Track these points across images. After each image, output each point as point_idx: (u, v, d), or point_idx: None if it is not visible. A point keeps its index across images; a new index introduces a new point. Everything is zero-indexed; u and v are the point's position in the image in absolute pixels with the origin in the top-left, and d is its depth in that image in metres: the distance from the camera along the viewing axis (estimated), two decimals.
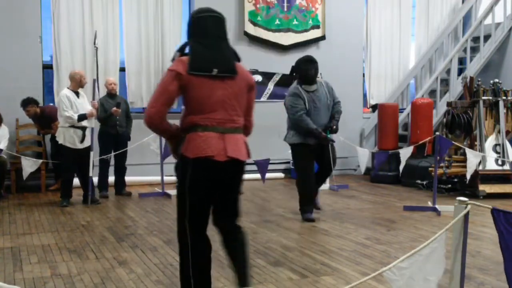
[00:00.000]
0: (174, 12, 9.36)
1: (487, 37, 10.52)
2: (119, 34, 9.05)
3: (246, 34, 9.71)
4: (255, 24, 9.78)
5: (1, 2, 8.31)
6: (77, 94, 7.07)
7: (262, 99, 9.92)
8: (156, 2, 9.21)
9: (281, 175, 9.72)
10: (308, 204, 6.20)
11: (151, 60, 9.16)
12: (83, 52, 8.80)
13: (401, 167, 7.24)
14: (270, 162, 7.22)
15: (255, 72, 9.67)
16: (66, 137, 6.93)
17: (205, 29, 3.10)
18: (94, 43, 7.59)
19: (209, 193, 3.11)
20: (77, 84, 7.06)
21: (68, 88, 7.09)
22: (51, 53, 8.81)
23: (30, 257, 4.63)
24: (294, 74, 6.35)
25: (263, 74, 9.81)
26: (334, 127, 6.11)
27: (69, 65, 8.66)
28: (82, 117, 6.92)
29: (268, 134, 9.85)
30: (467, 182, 7.33)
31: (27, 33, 8.36)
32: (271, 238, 5.33)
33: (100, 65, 8.88)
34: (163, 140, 7.81)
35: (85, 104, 7.10)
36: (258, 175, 7.29)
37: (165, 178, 7.97)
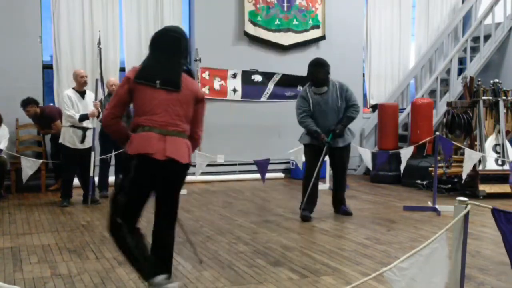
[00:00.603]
0: (174, 12, 9.36)
1: (487, 37, 10.53)
2: (119, 34, 9.06)
3: (246, 34, 9.72)
4: (255, 24, 9.78)
5: (1, 2, 8.31)
6: (82, 94, 7.06)
7: (262, 99, 9.94)
8: (156, 2, 9.21)
9: (281, 175, 9.72)
10: (307, 202, 6.18)
11: None
12: (83, 52, 8.79)
13: (402, 167, 7.20)
14: (270, 162, 7.21)
15: (255, 72, 9.69)
16: (66, 136, 6.95)
17: (160, 45, 3.44)
18: (99, 44, 7.55)
19: (147, 189, 3.35)
20: (77, 83, 7.06)
21: (73, 88, 7.11)
22: (51, 53, 8.81)
23: (30, 257, 4.62)
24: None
25: (263, 74, 9.83)
26: (337, 131, 6.07)
27: (69, 65, 8.66)
28: (83, 117, 6.90)
29: (268, 134, 9.87)
30: (463, 182, 7.32)
31: (27, 33, 8.36)
32: (271, 238, 5.33)
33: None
34: None
35: (90, 104, 7.08)
36: (258, 175, 7.28)
37: None
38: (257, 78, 9.86)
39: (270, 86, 9.95)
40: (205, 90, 9.50)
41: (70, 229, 5.67)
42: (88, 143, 7.05)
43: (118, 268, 4.32)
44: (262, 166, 7.06)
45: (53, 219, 6.22)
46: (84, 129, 6.99)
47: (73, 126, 6.91)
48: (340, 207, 6.47)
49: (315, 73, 6.05)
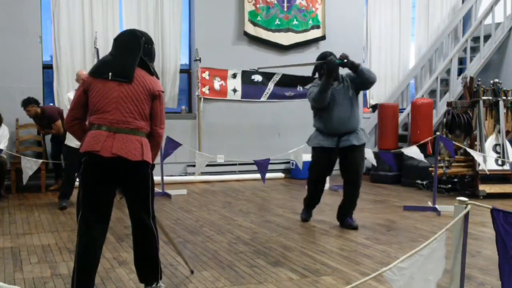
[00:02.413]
0: (174, 12, 9.36)
1: (487, 37, 10.53)
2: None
3: (246, 34, 9.71)
4: (255, 24, 9.78)
5: (1, 2, 8.31)
6: None
7: (262, 99, 9.95)
8: (156, 2, 9.21)
9: (281, 175, 9.72)
10: (307, 205, 6.09)
11: None
12: (83, 52, 8.79)
13: (422, 159, 7.08)
14: (270, 162, 7.21)
15: (255, 72, 9.69)
16: (71, 137, 6.72)
17: (116, 42, 3.58)
18: (95, 44, 7.53)
19: (99, 187, 3.38)
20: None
21: (75, 89, 7.04)
22: (51, 53, 8.81)
23: (30, 257, 4.63)
24: (315, 74, 5.85)
25: (263, 74, 9.83)
26: (347, 62, 5.50)
27: (69, 65, 8.67)
28: None
29: (268, 134, 9.87)
30: (486, 171, 7.37)
31: (27, 33, 8.36)
32: (271, 238, 5.33)
33: None
34: (163, 140, 7.82)
35: None
36: (258, 175, 7.28)
37: (165, 178, 7.97)
38: (257, 78, 9.86)
39: (270, 86, 9.95)
40: (205, 90, 9.51)
41: (70, 229, 5.66)
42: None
43: (118, 268, 4.32)
44: (262, 166, 7.05)
45: (53, 219, 6.22)
46: None
47: None
48: (345, 220, 5.79)
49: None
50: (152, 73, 3.54)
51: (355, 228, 5.69)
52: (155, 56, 3.71)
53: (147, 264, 3.56)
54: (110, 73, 3.39)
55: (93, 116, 3.40)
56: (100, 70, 3.46)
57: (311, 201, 6.07)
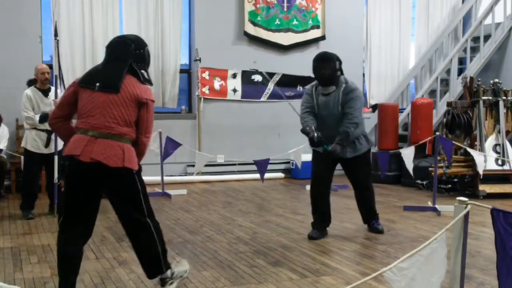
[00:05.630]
0: (174, 12, 9.36)
1: (487, 37, 10.52)
2: (119, 34, 9.02)
3: (246, 34, 9.71)
4: (255, 24, 9.78)
5: (1, 2, 8.31)
6: (44, 92, 6.39)
7: (262, 99, 9.95)
8: (156, 2, 9.21)
9: (281, 175, 9.72)
10: (314, 220, 5.42)
11: (151, 60, 9.14)
12: (83, 52, 8.80)
13: (410, 168, 7.00)
14: (270, 162, 7.21)
15: (255, 72, 9.69)
16: (29, 140, 6.30)
17: (107, 50, 3.62)
18: (56, 36, 6.84)
19: (80, 191, 3.39)
20: (39, 81, 6.38)
21: (34, 86, 6.41)
22: (51, 53, 8.81)
23: (30, 257, 4.63)
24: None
25: (263, 74, 9.82)
26: (331, 150, 5.01)
27: (69, 65, 8.68)
28: (43, 118, 6.03)
29: (268, 134, 9.87)
30: (481, 177, 7.34)
31: (27, 33, 8.35)
32: (271, 238, 5.33)
33: None
34: (163, 140, 7.82)
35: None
36: (258, 175, 7.28)
37: (165, 178, 7.96)
38: (257, 78, 9.86)
39: (270, 86, 9.95)
40: (205, 90, 9.51)
41: None
42: (59, 147, 6.23)
43: (118, 268, 4.32)
44: (261, 165, 7.06)
45: (53, 219, 6.21)
46: (49, 132, 6.22)
47: (35, 128, 6.27)
48: (370, 223, 5.53)
49: (318, 69, 5.16)
50: (142, 81, 3.54)
51: (380, 231, 5.44)
52: (149, 59, 3.72)
53: (147, 260, 3.59)
54: (97, 84, 3.42)
55: (79, 120, 3.46)
56: (88, 80, 3.49)
57: (313, 206, 5.42)
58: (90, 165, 3.31)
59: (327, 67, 5.14)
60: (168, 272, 3.64)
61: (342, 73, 5.29)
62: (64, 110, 3.54)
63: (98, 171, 3.34)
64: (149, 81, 3.61)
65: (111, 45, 3.62)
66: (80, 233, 3.46)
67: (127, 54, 3.52)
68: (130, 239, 3.60)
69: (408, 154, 6.95)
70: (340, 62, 5.27)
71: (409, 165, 6.91)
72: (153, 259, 3.57)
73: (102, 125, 3.36)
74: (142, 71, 3.58)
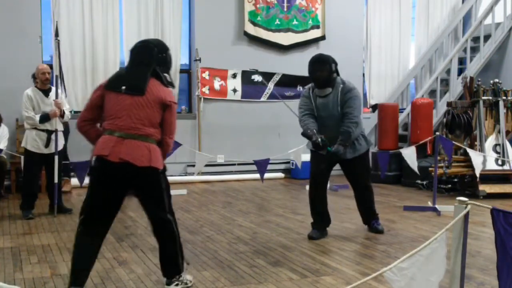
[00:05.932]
0: (174, 12, 9.36)
1: (487, 37, 10.52)
2: (119, 34, 9.05)
3: (246, 34, 9.71)
4: (255, 24, 9.78)
5: (1, 2, 8.31)
6: (45, 92, 6.38)
7: (262, 99, 9.95)
8: (156, 2, 9.21)
9: (281, 175, 9.72)
10: (314, 220, 5.42)
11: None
12: (83, 52, 8.80)
13: (414, 167, 6.93)
14: (270, 162, 7.21)
15: (255, 72, 9.69)
16: (29, 140, 6.29)
17: (131, 55, 3.71)
18: (56, 36, 6.87)
19: (106, 191, 3.52)
20: (39, 81, 6.37)
21: (35, 86, 6.43)
22: (51, 53, 8.81)
23: (30, 257, 4.63)
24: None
25: (263, 74, 9.83)
26: (335, 151, 5.04)
27: (69, 65, 8.67)
28: (44, 118, 6.19)
29: (268, 134, 9.87)
30: (478, 180, 7.36)
31: (27, 33, 8.36)
32: (271, 238, 5.33)
33: (100, 65, 8.90)
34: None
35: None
36: (258, 175, 7.28)
37: None
38: (257, 78, 9.86)
39: (270, 86, 9.95)
40: (205, 90, 9.51)
41: (70, 229, 5.66)
42: (60, 147, 6.39)
43: (118, 268, 4.32)
44: (261, 165, 7.06)
45: (53, 219, 6.22)
46: (49, 132, 6.28)
47: (35, 128, 6.25)
48: (370, 223, 5.56)
49: (314, 71, 5.17)
50: (165, 84, 3.65)
51: (380, 231, 5.46)
52: (171, 62, 3.82)
53: (168, 260, 3.70)
54: (123, 87, 3.54)
55: (106, 122, 3.55)
56: (114, 83, 3.60)
57: (311, 206, 5.42)
58: (118, 165, 3.43)
59: (323, 69, 5.15)
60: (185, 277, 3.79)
61: (338, 74, 5.30)
62: (91, 112, 3.64)
63: (126, 171, 3.46)
64: (171, 84, 3.72)
65: (135, 50, 3.71)
66: (101, 231, 3.61)
67: (151, 58, 3.63)
68: (156, 236, 3.71)
69: (409, 154, 6.95)
70: (336, 64, 5.26)
71: (413, 164, 6.91)
72: (173, 259, 3.69)
73: (129, 126, 3.47)
74: (165, 74, 3.68)
